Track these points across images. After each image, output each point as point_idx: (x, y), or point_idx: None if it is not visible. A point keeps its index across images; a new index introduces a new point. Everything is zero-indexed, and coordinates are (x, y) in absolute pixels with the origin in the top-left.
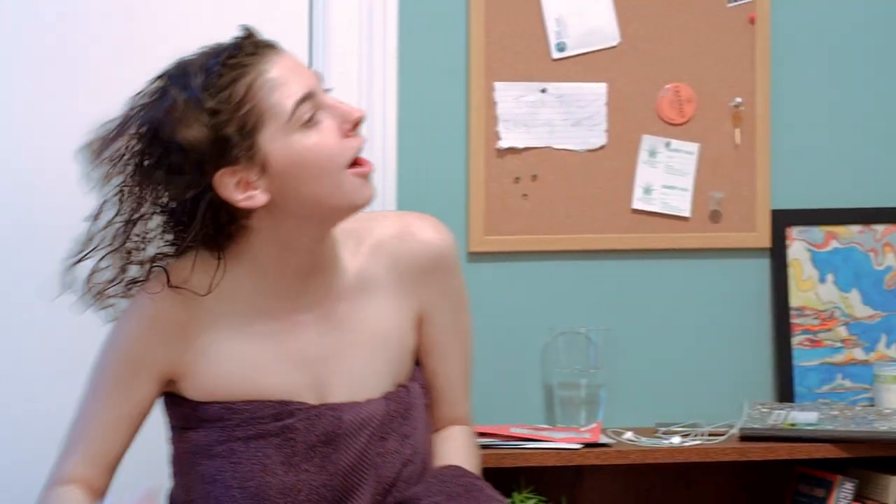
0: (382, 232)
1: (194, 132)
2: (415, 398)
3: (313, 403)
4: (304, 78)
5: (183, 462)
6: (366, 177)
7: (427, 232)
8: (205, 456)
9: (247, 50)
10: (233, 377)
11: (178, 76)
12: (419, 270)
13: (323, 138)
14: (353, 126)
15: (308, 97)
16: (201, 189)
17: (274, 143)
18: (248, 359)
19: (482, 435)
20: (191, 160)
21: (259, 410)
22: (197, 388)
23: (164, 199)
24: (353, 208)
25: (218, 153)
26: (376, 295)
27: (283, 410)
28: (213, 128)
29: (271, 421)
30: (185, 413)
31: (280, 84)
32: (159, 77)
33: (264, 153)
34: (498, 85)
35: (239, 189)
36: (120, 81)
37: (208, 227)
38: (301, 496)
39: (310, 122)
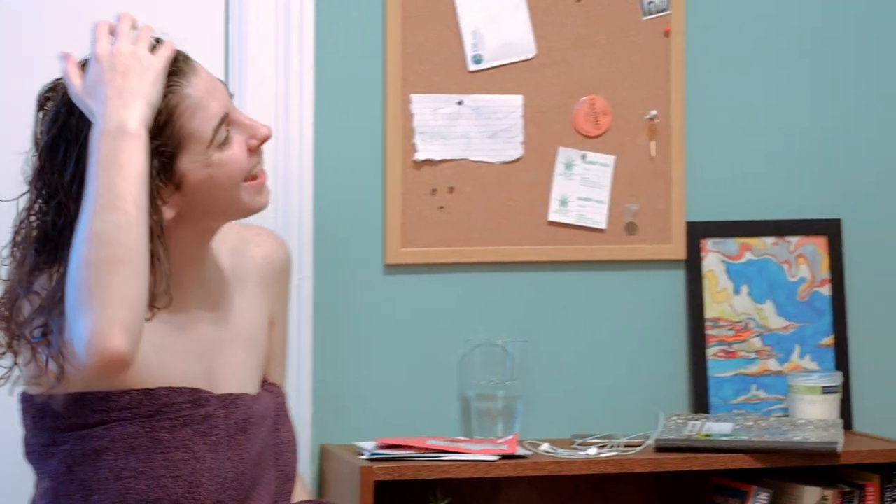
0: (239, 237)
1: None
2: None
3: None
4: (219, 96)
5: (81, 463)
6: (261, 186)
7: (275, 240)
8: (123, 450)
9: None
10: (149, 364)
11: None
12: (273, 275)
13: (234, 155)
14: (259, 142)
15: (224, 119)
16: None
17: (191, 164)
18: (160, 347)
19: (399, 447)
20: None
21: (177, 396)
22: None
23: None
24: (250, 213)
25: None
26: (246, 294)
27: (198, 397)
28: None
29: (192, 408)
30: (96, 408)
31: (200, 107)
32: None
33: (181, 174)
34: (414, 97)
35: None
36: (28, 80)
37: None
38: (227, 483)
39: (224, 142)
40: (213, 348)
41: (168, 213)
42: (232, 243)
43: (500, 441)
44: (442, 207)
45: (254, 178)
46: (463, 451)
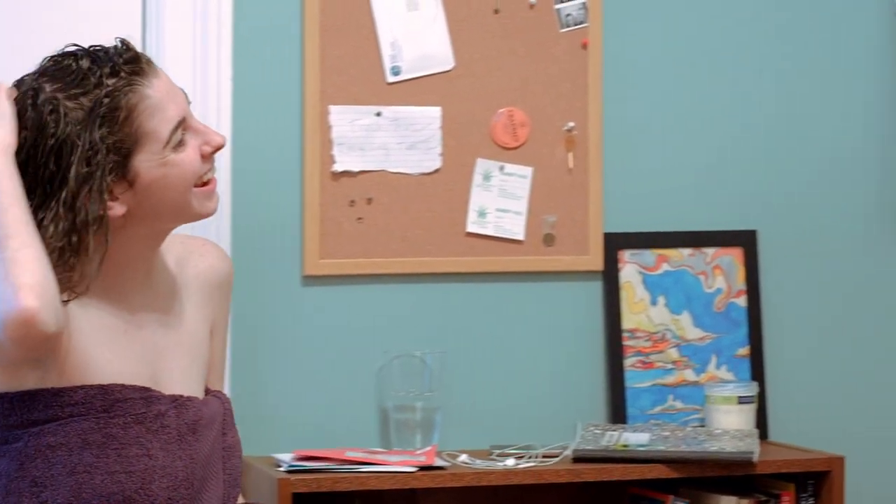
0: (184, 248)
1: (74, 147)
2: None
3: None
4: (178, 101)
5: (35, 459)
6: (211, 192)
7: (219, 252)
8: (78, 445)
9: (127, 69)
10: (100, 359)
11: (64, 87)
12: (215, 286)
13: (187, 157)
14: (213, 149)
15: (181, 122)
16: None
17: (146, 163)
18: (109, 344)
19: (318, 459)
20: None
21: (129, 393)
22: (67, 372)
23: None
24: (200, 218)
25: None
26: (190, 302)
27: (149, 396)
28: (91, 146)
29: (144, 406)
30: (51, 403)
31: (159, 108)
32: (34, 81)
33: (135, 171)
34: (333, 108)
35: None
36: None
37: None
38: (178, 481)
39: (179, 144)
40: (160, 351)
41: (119, 209)
42: (177, 253)
43: (418, 452)
44: (360, 219)
45: (204, 184)
46: (381, 462)
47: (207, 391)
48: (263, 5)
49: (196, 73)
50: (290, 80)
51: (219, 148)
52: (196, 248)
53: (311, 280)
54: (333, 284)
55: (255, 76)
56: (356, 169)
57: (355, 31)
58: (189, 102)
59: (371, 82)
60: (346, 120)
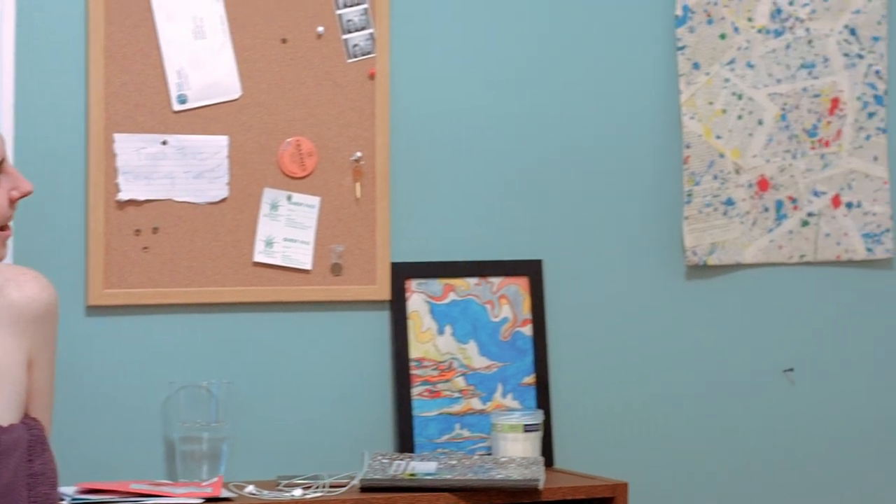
0: (1, 277)
1: None
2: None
3: None
4: None
5: None
6: (7, 239)
7: (39, 283)
8: None
9: None
10: None
11: None
12: (32, 317)
13: None
14: (21, 195)
15: (0, 165)
16: None
17: None
18: None
19: (101, 492)
20: None
21: None
22: None
23: None
24: None
25: None
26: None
27: None
28: None
29: None
30: None
31: None
32: None
33: None
34: (118, 136)
35: None
36: None
37: None
38: None
39: None
40: None
41: None
42: None
43: (204, 484)
44: (146, 248)
45: (2, 228)
46: (166, 494)
47: (26, 416)
48: (47, 29)
49: None
50: (74, 106)
51: (27, 194)
52: (12, 278)
53: (94, 310)
54: (118, 315)
55: (37, 102)
56: (142, 198)
57: (141, 58)
58: (5, 144)
59: (157, 110)
60: (131, 148)
